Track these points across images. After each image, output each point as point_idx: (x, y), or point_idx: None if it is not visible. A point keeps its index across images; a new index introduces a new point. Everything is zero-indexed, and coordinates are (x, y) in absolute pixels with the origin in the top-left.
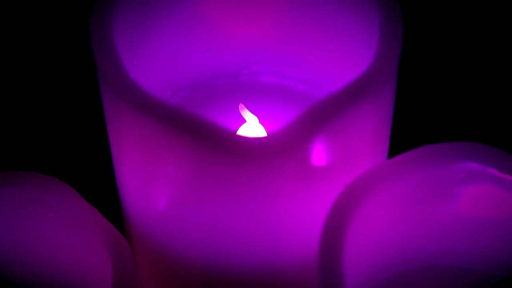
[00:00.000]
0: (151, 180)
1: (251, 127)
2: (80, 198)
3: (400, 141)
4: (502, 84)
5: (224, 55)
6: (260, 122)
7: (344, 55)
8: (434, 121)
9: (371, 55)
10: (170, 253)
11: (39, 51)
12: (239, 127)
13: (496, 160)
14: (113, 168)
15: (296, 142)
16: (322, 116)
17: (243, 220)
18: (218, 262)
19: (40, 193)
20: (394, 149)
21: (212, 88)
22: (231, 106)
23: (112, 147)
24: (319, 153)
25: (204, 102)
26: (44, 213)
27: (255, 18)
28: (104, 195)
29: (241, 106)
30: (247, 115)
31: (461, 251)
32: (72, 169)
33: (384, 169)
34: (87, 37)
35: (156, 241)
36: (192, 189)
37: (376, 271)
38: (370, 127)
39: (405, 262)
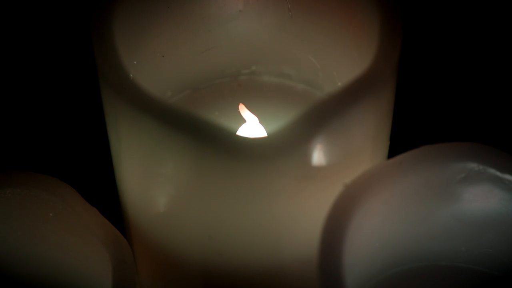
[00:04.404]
0: (151, 180)
1: (251, 127)
2: (80, 198)
3: (400, 141)
4: (502, 84)
5: (224, 55)
6: (260, 122)
7: (344, 55)
8: (434, 121)
9: (371, 55)
10: (170, 253)
11: (39, 51)
12: (239, 127)
13: (496, 160)
14: (113, 168)
15: (296, 142)
16: (322, 116)
17: (243, 220)
18: (218, 262)
19: (40, 193)
20: (394, 149)
21: (212, 88)
22: (231, 106)
23: (112, 147)
24: (319, 153)
25: (204, 102)
26: (44, 213)
27: (255, 18)
28: (104, 195)
29: (241, 106)
30: (247, 115)
31: (461, 251)
32: (72, 169)
33: (384, 169)
34: (87, 37)
35: (156, 241)
36: (192, 189)
37: (376, 271)
38: (370, 127)
39: (405, 262)
